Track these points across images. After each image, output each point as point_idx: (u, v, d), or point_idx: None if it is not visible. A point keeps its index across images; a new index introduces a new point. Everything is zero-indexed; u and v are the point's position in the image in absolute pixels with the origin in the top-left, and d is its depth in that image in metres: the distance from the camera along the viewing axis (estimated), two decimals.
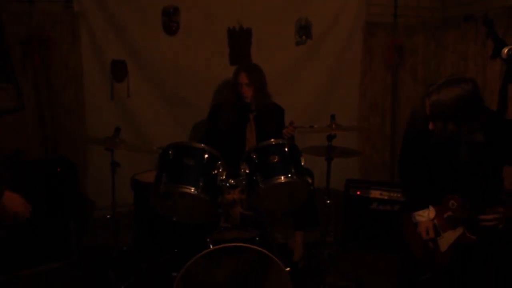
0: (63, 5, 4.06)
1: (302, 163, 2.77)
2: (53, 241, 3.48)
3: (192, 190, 2.54)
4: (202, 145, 2.67)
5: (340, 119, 3.29)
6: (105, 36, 4.13)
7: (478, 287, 2.59)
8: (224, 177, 2.67)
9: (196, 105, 4.27)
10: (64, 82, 4.14)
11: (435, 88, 2.32)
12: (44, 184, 3.46)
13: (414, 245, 2.72)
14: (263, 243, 2.63)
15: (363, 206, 3.90)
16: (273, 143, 2.73)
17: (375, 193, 3.92)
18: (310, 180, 2.80)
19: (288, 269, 2.54)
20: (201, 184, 2.56)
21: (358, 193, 3.93)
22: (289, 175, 2.62)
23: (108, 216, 3.16)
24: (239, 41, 4.30)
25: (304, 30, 4.39)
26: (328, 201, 3.27)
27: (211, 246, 2.52)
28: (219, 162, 2.68)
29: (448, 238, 2.60)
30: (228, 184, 2.71)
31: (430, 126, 2.39)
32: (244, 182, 2.71)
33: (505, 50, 2.25)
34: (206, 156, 2.64)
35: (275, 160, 2.65)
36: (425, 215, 2.64)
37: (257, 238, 2.66)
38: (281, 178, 2.62)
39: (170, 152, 2.65)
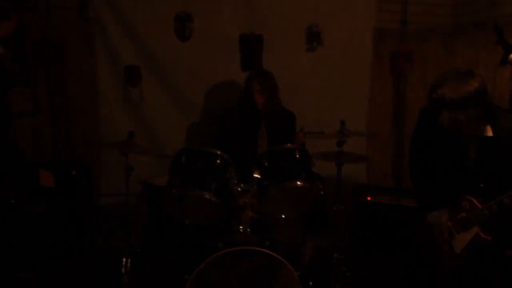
0: (78, 11, 4.14)
1: (313, 169, 2.82)
2: (67, 241, 3.55)
3: (204, 194, 2.60)
4: (215, 149, 2.73)
5: (349, 125, 3.33)
6: (119, 42, 4.20)
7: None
8: (235, 181, 2.73)
9: (208, 110, 4.32)
10: (79, 87, 4.22)
11: (443, 81, 2.33)
12: (59, 186, 3.54)
13: (428, 248, 2.73)
14: (273, 247, 2.67)
15: (373, 212, 3.92)
16: (284, 148, 2.79)
17: (385, 199, 3.95)
18: (320, 185, 2.85)
19: (298, 273, 2.58)
20: (213, 188, 2.63)
21: (368, 198, 3.96)
22: (300, 180, 2.67)
23: (120, 218, 3.22)
24: (251, 47, 4.34)
25: (314, 37, 4.42)
26: (338, 206, 3.30)
27: (222, 249, 2.57)
28: (231, 167, 2.73)
29: (462, 239, 2.58)
30: (239, 188, 2.77)
31: (439, 118, 2.37)
32: (255, 187, 2.77)
33: (511, 56, 2.28)
34: (218, 160, 2.70)
35: (285, 165, 2.71)
36: (439, 217, 2.66)
37: (267, 242, 2.70)
38: (291, 183, 2.68)
39: (182, 156, 2.71)
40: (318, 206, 3.27)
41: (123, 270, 3.10)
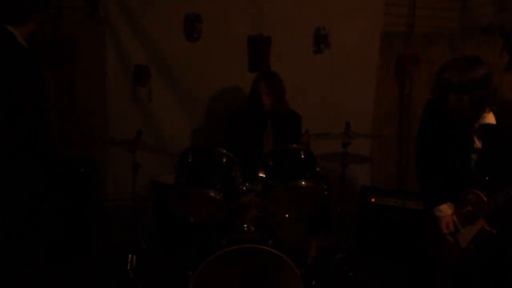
0: (89, 11, 4.20)
1: (317, 169, 2.86)
2: (74, 238, 3.61)
3: (210, 192, 2.64)
4: (220, 149, 2.77)
5: (355, 127, 3.37)
6: (129, 42, 4.25)
7: (498, 283, 2.62)
8: (240, 180, 2.77)
9: (216, 110, 4.36)
10: (88, 86, 4.28)
11: (450, 65, 2.41)
12: (67, 184, 3.60)
13: (433, 243, 2.77)
14: (277, 246, 2.71)
15: (377, 213, 3.95)
16: (289, 148, 2.83)
17: (390, 201, 3.97)
18: (324, 186, 2.89)
19: (300, 271, 2.62)
20: (218, 186, 2.67)
21: (373, 200, 3.99)
22: (304, 180, 2.71)
23: (127, 215, 3.28)
24: (259, 49, 4.37)
25: (322, 39, 4.46)
26: (341, 207, 3.34)
27: (226, 247, 2.61)
28: (237, 166, 2.77)
29: (468, 233, 2.61)
30: (244, 187, 2.81)
31: (451, 103, 2.44)
32: (259, 186, 2.80)
33: None
34: (224, 159, 2.74)
35: (290, 165, 2.75)
36: (445, 210, 2.69)
37: (270, 241, 2.74)
38: (296, 182, 2.71)
39: (189, 155, 2.76)
40: (322, 206, 3.31)
41: (128, 266, 3.16)
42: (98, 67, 4.28)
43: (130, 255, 3.15)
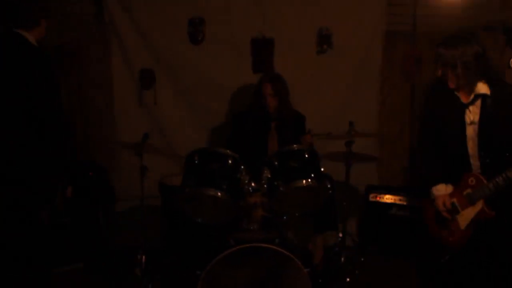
0: (94, 16, 4.27)
1: (321, 168, 2.90)
2: (84, 241, 3.66)
3: (217, 193, 2.69)
4: (226, 150, 2.81)
5: (360, 127, 3.40)
6: (134, 46, 4.31)
7: (498, 265, 2.70)
8: (246, 181, 2.81)
9: (220, 112, 4.40)
10: (95, 90, 4.35)
11: (442, 41, 2.64)
12: (77, 187, 3.65)
13: (433, 227, 2.86)
14: (283, 244, 2.75)
15: (382, 211, 3.98)
16: (293, 148, 2.87)
17: (394, 199, 4.00)
18: (328, 185, 2.93)
19: (307, 269, 2.66)
20: (225, 187, 2.71)
21: (378, 198, 4.02)
22: (308, 179, 2.75)
23: (136, 217, 3.33)
24: (262, 50, 4.40)
25: (325, 40, 4.48)
26: (345, 204, 3.37)
27: (233, 247, 2.65)
28: (242, 167, 2.81)
29: (467, 215, 2.70)
30: (250, 188, 2.86)
31: (439, 73, 2.66)
32: (265, 186, 2.85)
33: None
34: (230, 161, 2.79)
35: (295, 165, 2.79)
36: (442, 189, 2.79)
37: (277, 240, 2.79)
38: (300, 182, 2.75)
39: (195, 157, 2.80)
40: (328, 205, 3.35)
41: (138, 267, 3.21)
42: (104, 71, 4.35)
43: (139, 256, 3.20)
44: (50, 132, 2.57)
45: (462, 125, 2.69)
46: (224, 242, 2.76)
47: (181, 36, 4.33)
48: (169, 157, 3.87)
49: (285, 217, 3.09)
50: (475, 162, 2.70)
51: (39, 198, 2.66)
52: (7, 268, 2.66)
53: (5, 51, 2.55)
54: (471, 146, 2.69)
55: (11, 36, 2.58)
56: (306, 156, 2.83)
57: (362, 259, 3.71)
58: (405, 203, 3.95)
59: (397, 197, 4.00)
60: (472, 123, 2.67)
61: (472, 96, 2.65)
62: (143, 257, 3.20)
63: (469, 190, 2.69)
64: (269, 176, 2.83)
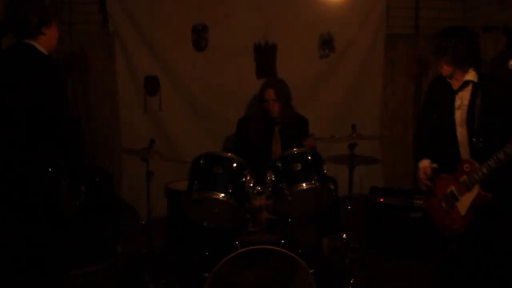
0: (99, 26, 4.34)
1: (325, 171, 2.94)
2: (91, 246, 3.71)
3: (222, 197, 2.73)
4: (231, 154, 2.86)
5: (363, 129, 3.44)
6: (138, 54, 4.38)
7: (499, 249, 2.82)
8: (251, 184, 2.86)
9: (225, 117, 4.44)
10: (100, 97, 4.41)
11: (441, 32, 2.87)
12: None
13: (438, 218, 2.94)
14: (288, 246, 2.79)
15: (386, 213, 4.01)
16: (297, 152, 2.91)
17: (398, 200, 4.03)
18: (332, 187, 2.97)
19: (312, 270, 2.69)
20: (230, 191, 2.75)
21: (381, 200, 4.05)
22: (312, 182, 2.80)
23: (143, 222, 3.37)
24: (265, 56, 4.47)
25: (327, 44, 4.54)
26: (350, 207, 3.40)
27: (239, 249, 2.69)
28: (247, 171, 2.86)
29: (465, 201, 2.79)
30: (255, 191, 2.90)
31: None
32: (270, 189, 2.90)
33: (511, 62, 2.39)
34: (234, 165, 2.83)
35: (298, 168, 2.83)
36: (426, 163, 2.97)
37: (282, 242, 2.82)
38: (304, 184, 2.80)
39: (201, 161, 2.85)
40: (332, 207, 3.39)
41: (145, 271, 3.25)
42: (109, 79, 4.41)
43: (146, 260, 3.24)
44: (64, 134, 2.62)
45: (451, 110, 2.85)
46: (230, 245, 2.80)
47: (185, 43, 4.40)
48: (174, 163, 3.91)
49: (289, 220, 3.12)
50: (464, 150, 2.82)
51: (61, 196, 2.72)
52: (19, 270, 2.70)
53: (14, 61, 2.60)
54: (460, 132, 2.82)
55: (19, 46, 2.63)
56: (310, 159, 2.88)
57: (367, 261, 3.74)
58: (409, 205, 3.97)
59: (401, 199, 4.03)
60: (459, 108, 2.82)
61: (461, 83, 2.83)
62: (150, 261, 3.24)
63: (464, 177, 2.79)
64: (274, 179, 2.88)
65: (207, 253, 3.18)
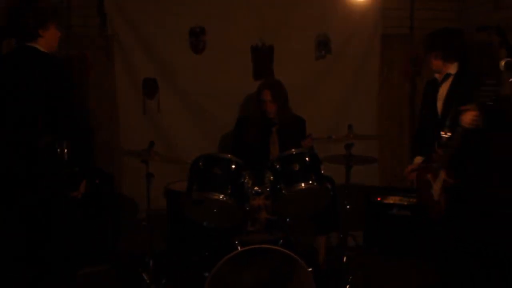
0: (98, 29, 4.36)
1: (322, 171, 2.99)
2: (92, 246, 3.74)
3: (221, 197, 2.77)
4: (230, 155, 2.90)
5: (359, 129, 3.49)
6: (137, 56, 4.40)
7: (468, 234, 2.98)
8: (250, 184, 2.90)
9: (223, 118, 4.48)
10: (99, 99, 4.44)
11: (433, 31, 3.17)
12: (83, 195, 3.73)
13: (431, 208, 3.08)
14: (287, 246, 2.83)
15: (383, 212, 4.05)
16: (295, 152, 2.95)
17: (395, 199, 4.08)
18: (329, 186, 3.01)
19: (310, 269, 2.73)
20: (229, 191, 2.79)
21: (378, 199, 4.10)
22: (310, 182, 2.84)
23: (143, 223, 3.41)
24: (262, 58, 4.50)
25: (323, 45, 4.57)
26: (348, 207, 3.45)
27: (239, 248, 2.73)
28: (245, 171, 2.90)
29: (436, 187, 2.96)
30: (254, 191, 2.94)
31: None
32: (268, 189, 2.94)
33: (502, 63, 2.42)
34: (233, 166, 2.87)
35: (296, 168, 2.88)
36: (418, 159, 3.21)
37: (281, 241, 2.87)
38: (302, 184, 2.84)
39: (200, 163, 2.89)
40: (330, 207, 3.43)
41: (146, 271, 3.28)
42: (108, 81, 4.43)
43: (147, 260, 3.28)
44: (72, 130, 2.65)
45: (434, 101, 3.06)
46: (230, 245, 2.84)
47: (183, 45, 4.43)
48: (174, 164, 3.95)
49: (288, 219, 3.16)
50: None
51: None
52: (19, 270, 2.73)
53: (17, 62, 2.64)
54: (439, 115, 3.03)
55: (20, 49, 2.67)
56: (307, 159, 2.92)
57: (365, 260, 3.78)
58: (406, 203, 4.02)
59: (398, 197, 4.08)
60: (440, 99, 3.03)
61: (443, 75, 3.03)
62: (150, 261, 3.27)
63: (434, 164, 2.98)
64: (272, 179, 2.92)
65: (207, 253, 3.22)
